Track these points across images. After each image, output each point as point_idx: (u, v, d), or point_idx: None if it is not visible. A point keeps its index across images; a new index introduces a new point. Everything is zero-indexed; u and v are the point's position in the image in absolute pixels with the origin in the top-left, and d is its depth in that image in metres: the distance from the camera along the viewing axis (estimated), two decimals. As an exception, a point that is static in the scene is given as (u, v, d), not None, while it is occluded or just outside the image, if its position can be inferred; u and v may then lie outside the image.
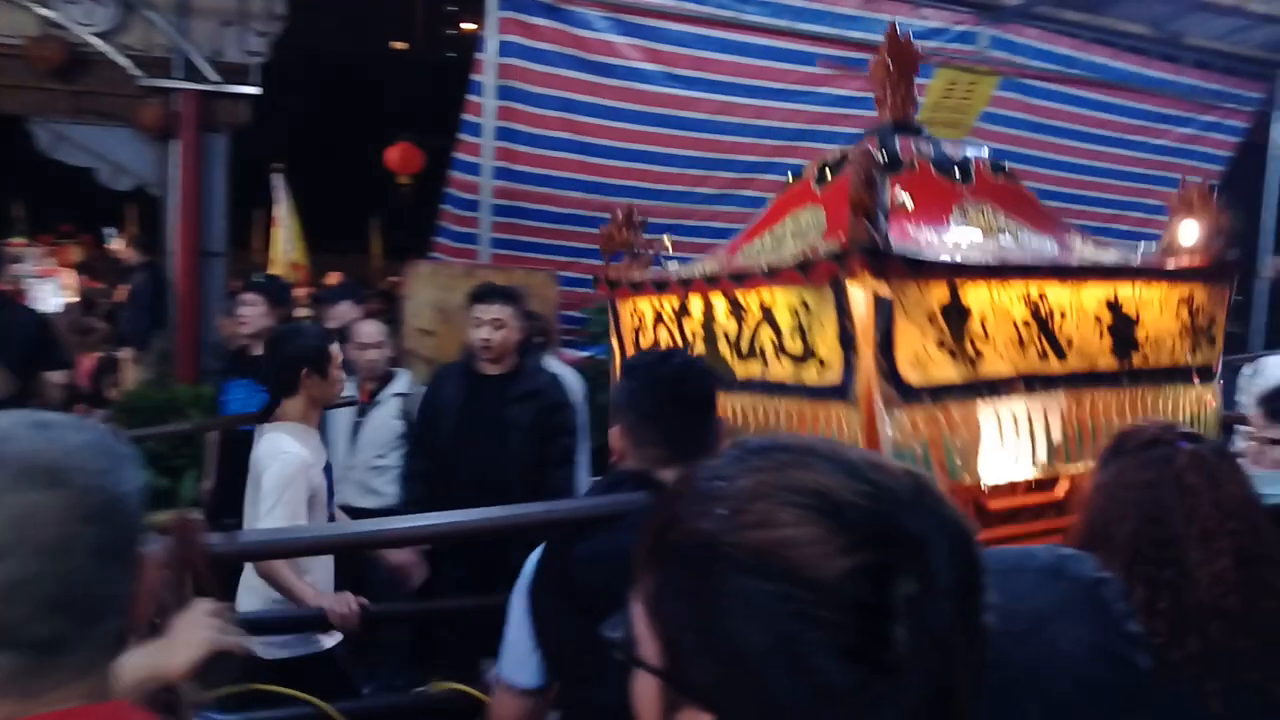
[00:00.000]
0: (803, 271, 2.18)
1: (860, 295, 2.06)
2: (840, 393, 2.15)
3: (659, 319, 2.87)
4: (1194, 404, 2.65)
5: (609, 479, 2.08)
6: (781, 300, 2.31)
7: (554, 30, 5.75)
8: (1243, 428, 2.28)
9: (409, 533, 2.52)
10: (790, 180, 2.92)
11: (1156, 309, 2.60)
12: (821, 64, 6.48)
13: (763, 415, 2.41)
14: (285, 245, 9.36)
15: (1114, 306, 2.52)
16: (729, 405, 2.47)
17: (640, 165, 6.25)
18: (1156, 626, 1.29)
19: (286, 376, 3.05)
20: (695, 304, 2.66)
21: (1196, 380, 2.66)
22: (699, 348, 2.65)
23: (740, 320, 2.48)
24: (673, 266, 2.92)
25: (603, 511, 1.90)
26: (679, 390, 1.95)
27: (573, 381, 4.95)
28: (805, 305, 2.22)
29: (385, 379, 4.51)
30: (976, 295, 2.26)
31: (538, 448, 3.99)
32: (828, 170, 2.69)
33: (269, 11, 6.43)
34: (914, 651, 0.62)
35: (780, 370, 2.32)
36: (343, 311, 5.38)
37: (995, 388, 2.26)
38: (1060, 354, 2.40)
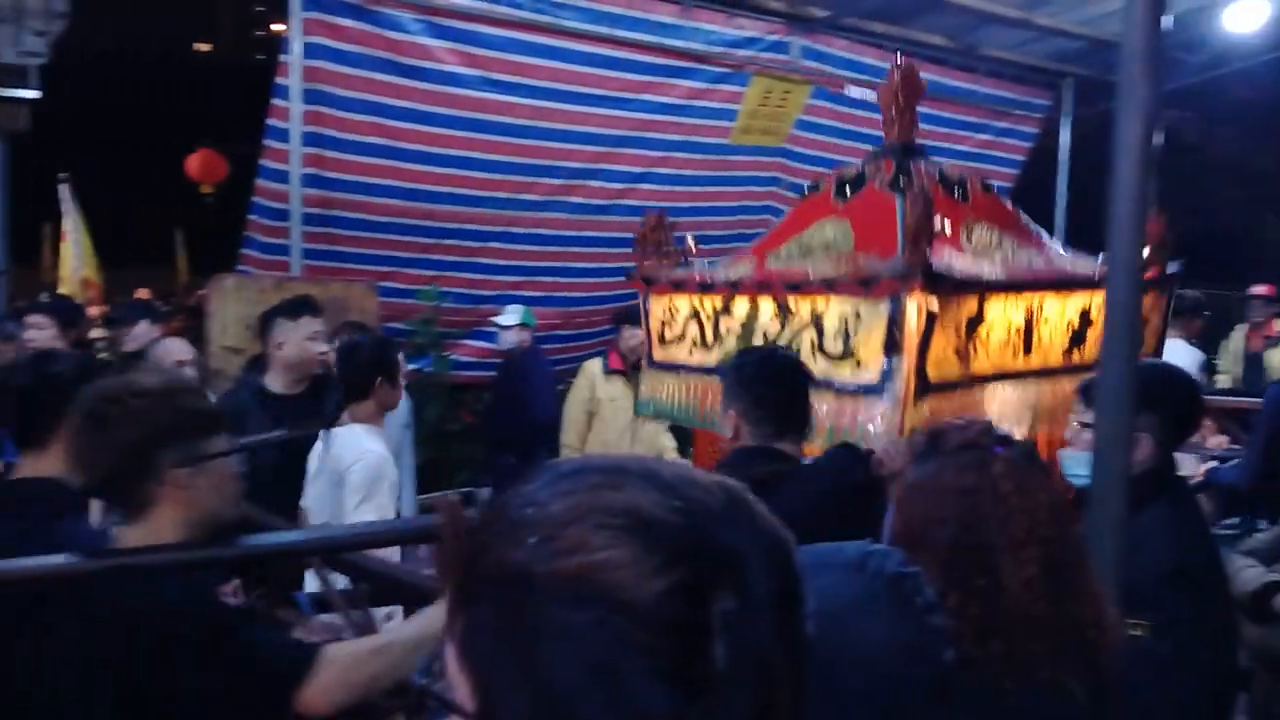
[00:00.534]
0: (864, 286, 2.60)
1: (913, 310, 2.50)
2: (876, 390, 2.59)
3: (695, 315, 3.22)
4: None
5: (738, 454, 2.41)
6: (835, 308, 2.72)
7: (362, 32, 5.52)
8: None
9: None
10: (805, 194, 3.44)
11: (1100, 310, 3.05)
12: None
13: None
14: (75, 261, 8.65)
15: (1085, 313, 3.11)
16: None
17: (459, 171, 6.09)
18: (963, 629, 1.32)
19: (361, 382, 3.31)
20: (739, 304, 3.04)
21: None
22: (730, 343, 3.05)
23: (784, 322, 2.86)
24: (715, 268, 3.27)
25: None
26: (784, 378, 2.44)
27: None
28: (857, 314, 2.64)
29: None
30: (994, 307, 2.78)
31: None
32: (846, 186, 3.10)
33: (48, 9, 5.93)
34: (733, 670, 0.61)
35: (813, 366, 2.65)
36: (141, 331, 5.05)
37: (982, 380, 2.80)
38: (1029, 352, 2.96)
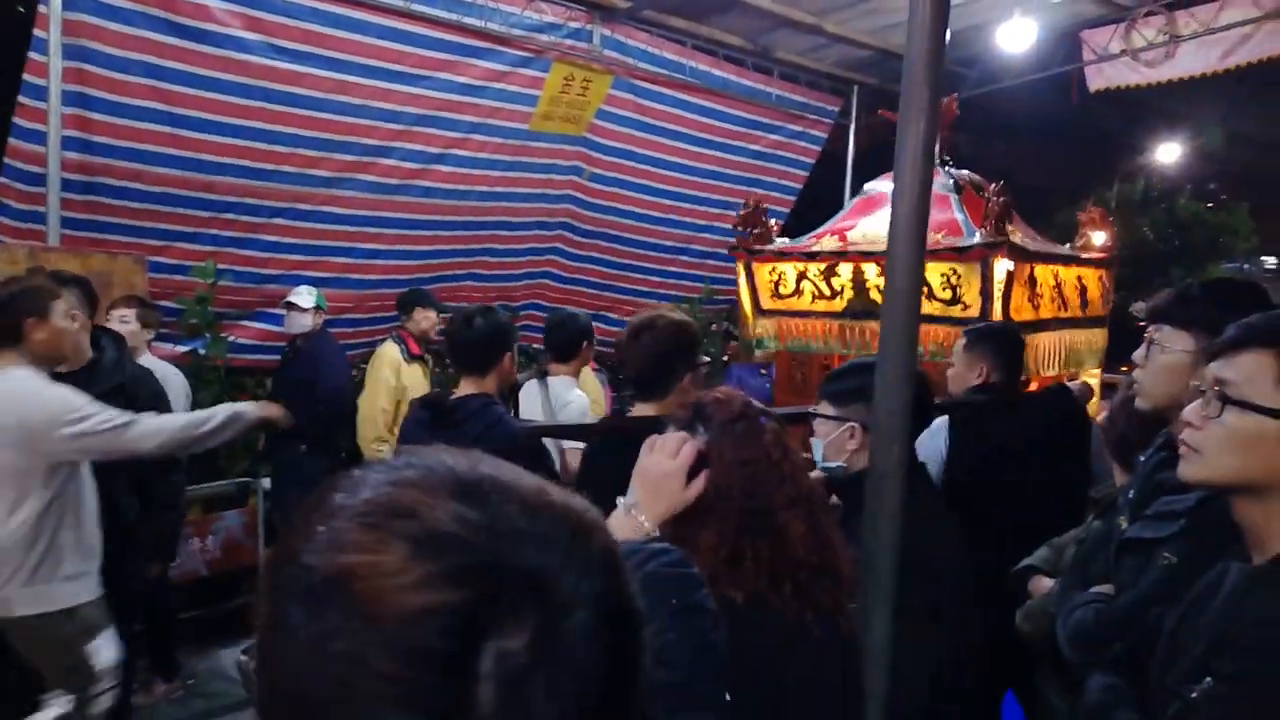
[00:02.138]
0: (959, 253, 4.21)
1: (1000, 269, 4.12)
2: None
3: (803, 276, 4.88)
4: (1100, 339, 5.15)
5: (975, 389, 3.40)
6: (934, 269, 4.21)
7: (133, -14, 5.11)
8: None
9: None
10: (860, 192, 5.38)
11: (1092, 281, 5.02)
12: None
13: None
14: None
15: (1080, 279, 4.87)
16: (870, 328, 4.46)
17: (245, 142, 5.75)
18: (759, 577, 1.51)
19: (572, 346, 4.19)
20: (844, 268, 4.70)
21: (1099, 325, 5.16)
22: (847, 293, 4.72)
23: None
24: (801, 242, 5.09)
25: None
26: (1016, 346, 3.50)
27: (173, 378, 4.50)
28: (955, 272, 4.23)
29: None
30: (1040, 271, 4.47)
31: None
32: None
33: None
34: (499, 716, 0.53)
35: (930, 308, 4.02)
36: None
37: (1042, 326, 4.50)
38: (1065, 307, 4.72)
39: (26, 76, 5.06)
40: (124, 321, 4.37)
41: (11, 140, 5.21)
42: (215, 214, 5.89)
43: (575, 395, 4.11)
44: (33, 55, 5.02)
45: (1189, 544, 1.84)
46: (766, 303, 5.04)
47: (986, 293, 4.12)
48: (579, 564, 0.58)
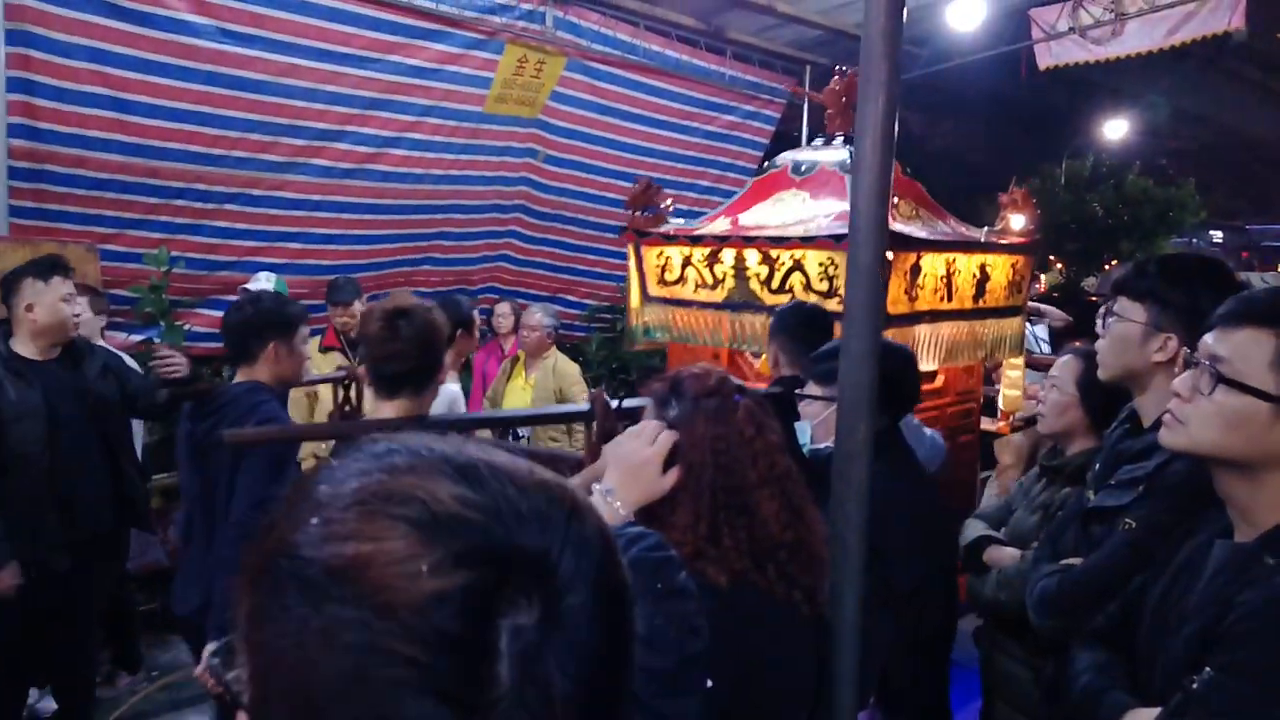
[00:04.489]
0: (836, 241, 3.71)
1: None
2: None
3: (687, 262, 4.32)
4: (1006, 328, 4.63)
5: (779, 381, 3.04)
6: (813, 257, 3.85)
7: (78, -30, 5.03)
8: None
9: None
10: (761, 171, 4.70)
11: (999, 269, 4.54)
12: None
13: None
14: None
15: (982, 268, 4.39)
16: (756, 323, 4.01)
17: (192, 127, 5.67)
18: (741, 558, 1.51)
19: (452, 334, 3.68)
20: (727, 254, 4.14)
21: (1010, 314, 4.67)
22: (729, 283, 4.14)
23: (772, 267, 3.95)
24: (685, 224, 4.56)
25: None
26: (816, 323, 3.15)
27: (133, 368, 4.46)
28: (832, 261, 3.77)
29: None
30: (926, 261, 3.96)
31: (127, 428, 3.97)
32: (802, 166, 4.37)
33: None
34: (518, 692, 0.54)
35: (808, 299, 3.72)
36: None
37: (921, 318, 4.00)
38: (950, 297, 4.18)
39: (-32, 63, 4.96)
40: (85, 311, 4.32)
41: (-46, 128, 5.11)
42: (165, 200, 5.82)
43: (448, 392, 3.99)
44: (-27, 41, 4.92)
45: (1149, 509, 1.89)
46: (654, 289, 4.52)
47: None
48: (576, 543, 0.59)
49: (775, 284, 3.95)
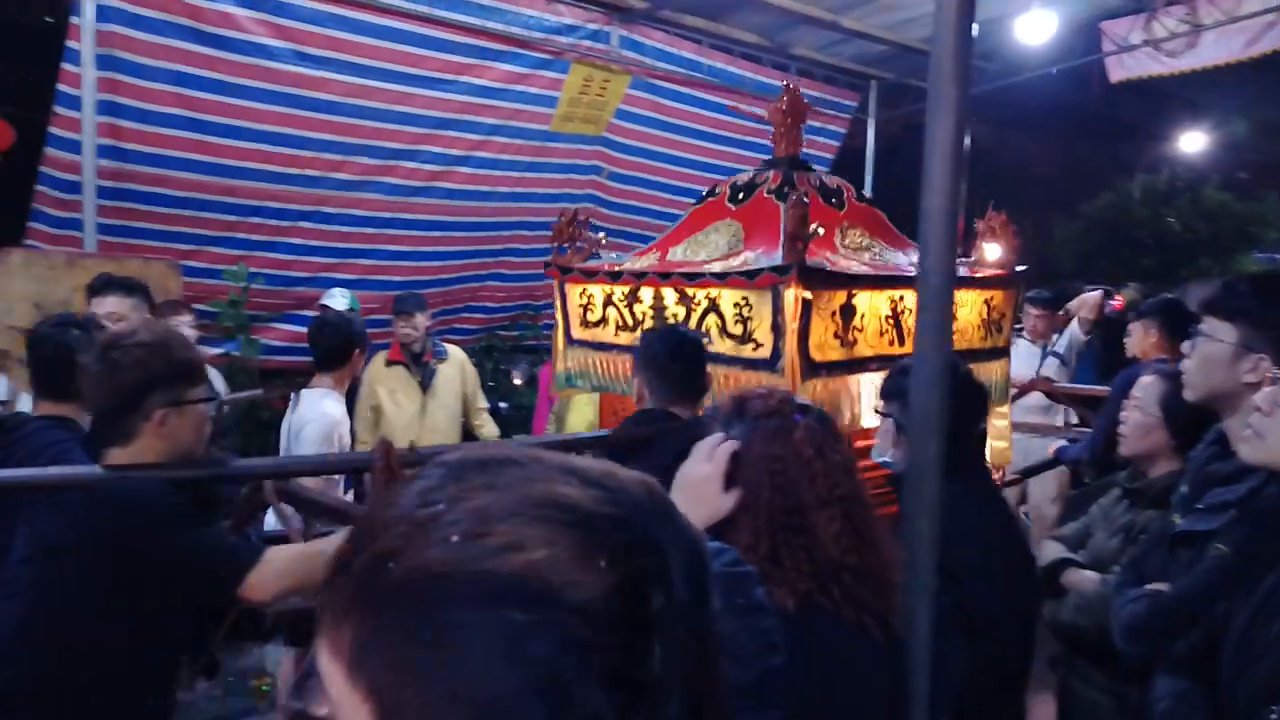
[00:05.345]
0: (749, 279, 3.09)
1: (791, 298, 2.99)
2: (770, 365, 3.07)
3: (609, 301, 3.71)
4: (984, 374, 3.56)
5: (640, 415, 2.90)
6: (728, 297, 3.22)
7: (160, -3, 5.24)
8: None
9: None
10: (704, 198, 3.81)
11: (968, 307, 3.75)
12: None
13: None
14: None
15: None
16: None
17: (268, 147, 5.86)
18: (804, 579, 1.50)
19: (344, 352, 3.93)
20: (646, 293, 3.54)
21: (988, 358, 3.86)
22: (647, 324, 3.53)
23: (689, 308, 3.37)
24: (618, 259, 3.85)
25: (644, 435, 2.80)
26: (682, 353, 2.91)
27: (214, 379, 4.60)
28: (747, 302, 3.15)
29: None
30: (862, 299, 3.28)
31: None
32: (740, 193, 3.62)
33: None
34: (668, 668, 0.59)
35: (722, 346, 3.22)
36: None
37: (863, 364, 3.31)
38: (902, 341, 3.44)
39: (61, 87, 5.20)
40: (188, 328, 4.47)
41: (48, 150, 5.34)
42: (242, 218, 6.01)
43: (320, 413, 3.75)
44: (66, 66, 5.15)
45: (1241, 534, 1.83)
46: (576, 331, 3.92)
47: (778, 327, 3.04)
48: (678, 537, 0.64)
49: (691, 326, 3.35)
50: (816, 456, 1.57)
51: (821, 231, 3.11)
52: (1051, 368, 6.03)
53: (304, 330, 6.17)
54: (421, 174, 6.58)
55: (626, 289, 3.63)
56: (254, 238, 6.12)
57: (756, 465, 1.56)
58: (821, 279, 3.08)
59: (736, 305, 3.20)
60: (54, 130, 5.32)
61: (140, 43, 5.28)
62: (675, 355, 2.91)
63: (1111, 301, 7.79)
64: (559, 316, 4.02)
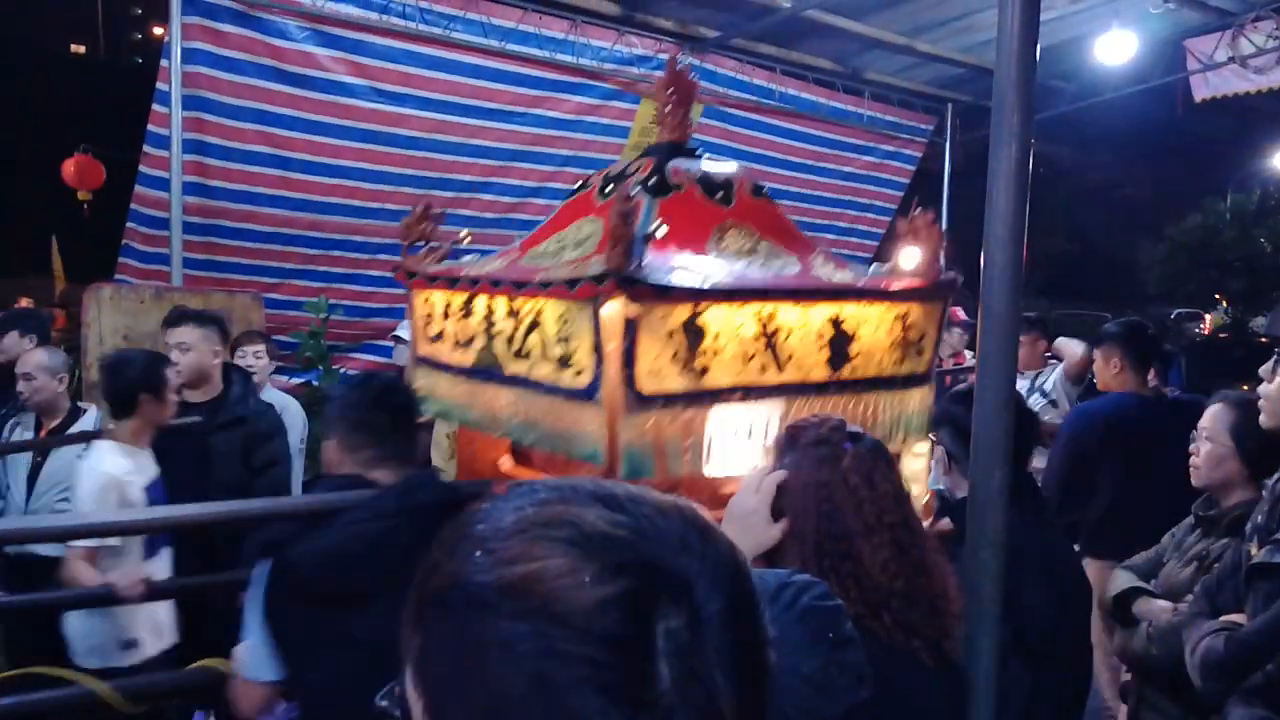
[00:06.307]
0: (569, 288, 2.35)
1: (612, 314, 2.27)
2: (588, 395, 2.37)
3: (446, 312, 3.01)
4: (897, 406, 2.87)
5: (323, 484, 2.35)
6: (550, 310, 2.50)
7: (245, 38, 5.42)
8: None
9: (142, 524, 3.02)
10: (575, 190, 3.05)
11: (873, 325, 2.80)
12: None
13: (525, 410, 2.61)
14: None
15: (837, 323, 2.69)
16: (500, 398, 2.73)
17: (349, 182, 6.00)
18: (857, 605, 1.47)
19: (124, 399, 3.23)
20: (479, 303, 2.82)
21: (904, 386, 2.90)
22: (478, 343, 2.84)
23: (517, 323, 2.68)
24: (467, 261, 3.04)
25: (324, 506, 2.19)
26: (386, 402, 2.29)
27: (293, 409, 4.70)
28: (568, 318, 2.43)
29: (70, 417, 4.08)
30: (715, 316, 2.45)
31: (246, 477, 3.81)
32: (610, 184, 2.84)
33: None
34: (678, 690, 0.59)
35: (543, 371, 2.53)
36: (10, 343, 4.82)
37: (717, 396, 2.46)
38: (779, 367, 2.58)
39: (150, 127, 5.40)
40: (257, 356, 4.58)
41: (138, 187, 5.54)
42: (323, 251, 6.16)
43: (95, 475, 3.13)
44: (156, 107, 5.36)
45: None
46: (421, 347, 3.23)
47: (599, 349, 2.34)
48: (710, 558, 0.65)
49: (517, 345, 2.68)
50: (864, 484, 1.57)
51: (664, 231, 2.42)
52: (1037, 405, 5.18)
53: (382, 360, 6.33)
54: (497, 206, 6.66)
55: (463, 297, 2.91)
56: (335, 270, 6.26)
57: (804, 493, 1.56)
58: (652, 291, 2.29)
59: (559, 319, 2.49)
60: (144, 169, 5.52)
61: (225, 83, 5.45)
62: (379, 404, 2.28)
63: (1200, 326, 7.47)
64: (409, 333, 3.40)
